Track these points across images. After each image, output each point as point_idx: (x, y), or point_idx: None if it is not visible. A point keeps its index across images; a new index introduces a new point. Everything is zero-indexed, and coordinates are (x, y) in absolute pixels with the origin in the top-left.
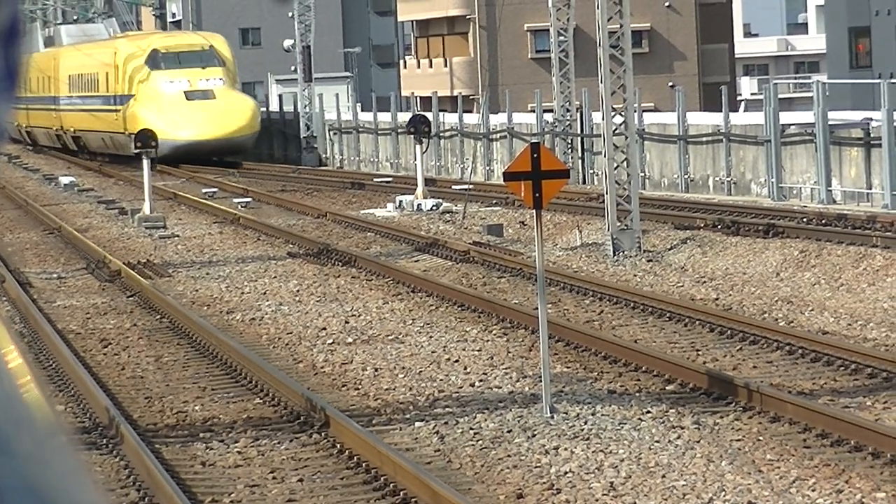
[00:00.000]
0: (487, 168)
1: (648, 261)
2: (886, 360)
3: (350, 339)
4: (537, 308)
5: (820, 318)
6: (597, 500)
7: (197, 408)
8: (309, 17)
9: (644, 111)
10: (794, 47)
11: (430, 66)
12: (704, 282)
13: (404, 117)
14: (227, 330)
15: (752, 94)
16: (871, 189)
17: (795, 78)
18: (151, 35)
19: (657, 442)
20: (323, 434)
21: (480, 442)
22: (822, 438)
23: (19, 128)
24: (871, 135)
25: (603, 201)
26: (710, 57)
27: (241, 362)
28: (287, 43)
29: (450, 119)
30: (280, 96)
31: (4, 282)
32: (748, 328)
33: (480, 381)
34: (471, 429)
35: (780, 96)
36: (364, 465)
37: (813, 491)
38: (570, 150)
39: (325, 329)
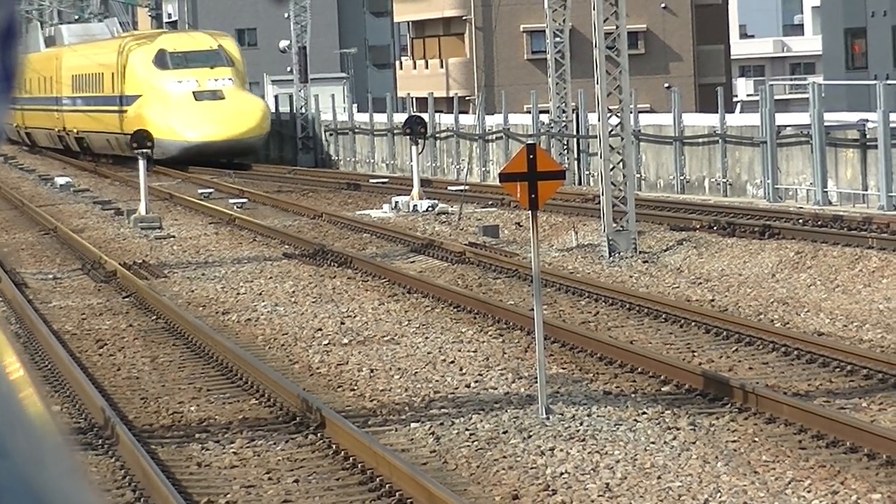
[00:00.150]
0: (483, 169)
1: (644, 262)
2: (882, 362)
3: (346, 340)
4: (533, 309)
5: (816, 319)
6: (592, 502)
7: (193, 408)
8: (305, 17)
9: (640, 112)
10: (790, 48)
11: (426, 66)
12: (700, 283)
13: (400, 118)
14: (222, 331)
15: (748, 95)
16: (866, 190)
17: (791, 79)
18: (159, 34)
19: (653, 443)
20: (319, 435)
21: (476, 443)
22: (818, 440)
23: (18, 129)
24: (867, 136)
25: (599, 202)
26: (706, 58)
27: (236, 363)
28: (283, 44)
29: (446, 120)
30: (276, 97)
31: (0, 282)
32: (744, 329)
33: (476, 382)
34: (466, 430)
35: (776, 97)
36: (360, 465)
37: (808, 492)
38: (565, 152)
39: (320, 330)
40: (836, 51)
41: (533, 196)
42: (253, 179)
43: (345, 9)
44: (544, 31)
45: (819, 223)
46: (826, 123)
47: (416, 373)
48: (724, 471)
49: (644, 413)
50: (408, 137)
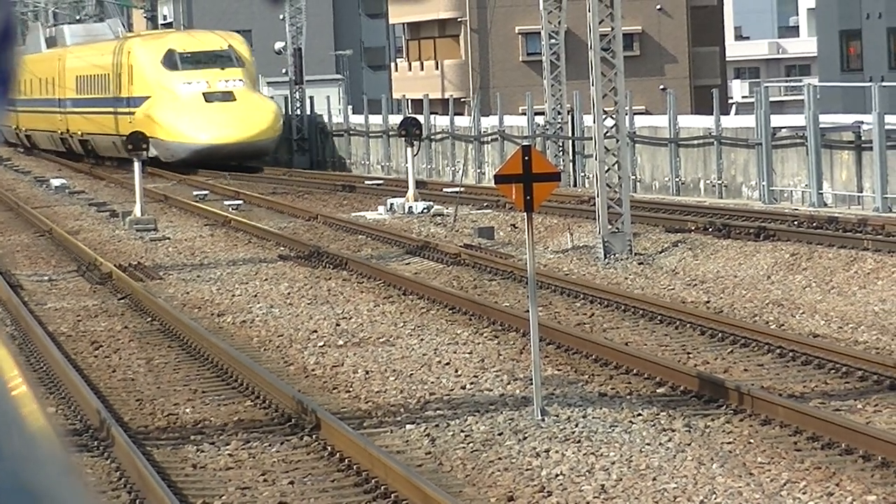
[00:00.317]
0: (478, 171)
1: (639, 263)
2: (877, 363)
3: (341, 342)
4: (528, 311)
5: (811, 320)
6: (588, 503)
7: (188, 410)
8: (300, 19)
9: (635, 114)
10: (786, 50)
11: (422, 68)
12: (695, 284)
13: (395, 120)
14: (217, 332)
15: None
16: (861, 192)
17: (787, 81)
18: (167, 34)
19: (648, 445)
20: (314, 436)
21: (471, 444)
22: (813, 441)
23: (17, 131)
24: (862, 138)
25: (594, 204)
26: (702, 60)
27: (231, 365)
28: (278, 45)
29: (441, 122)
30: (271, 98)
31: None
32: (739, 331)
33: (471, 383)
34: (462, 431)
35: (772, 99)
36: (355, 467)
37: (804, 494)
38: (561, 153)
39: (316, 331)
40: (832, 53)
41: (528, 198)
42: (248, 181)
43: (340, 10)
44: (540, 33)
45: (814, 225)
46: (821, 125)
47: (412, 374)
48: (720, 472)
49: (639, 415)
50: (403, 139)
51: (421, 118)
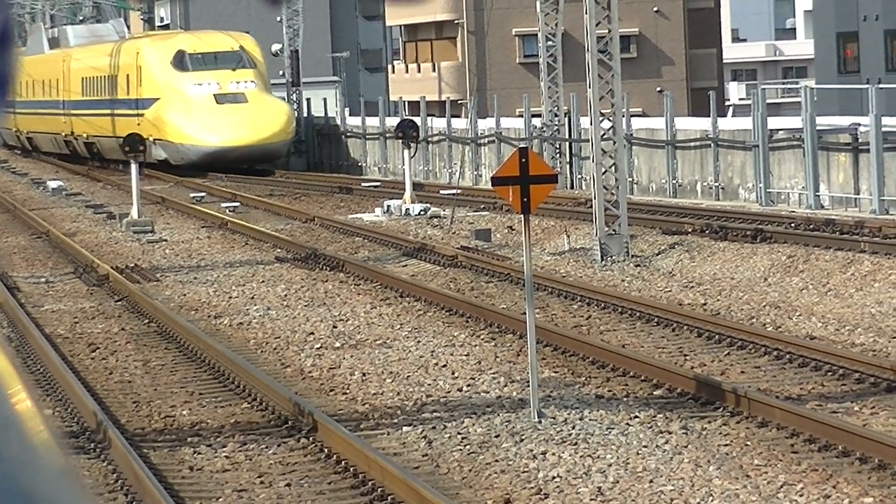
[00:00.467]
0: (475, 173)
1: (636, 266)
2: (874, 366)
3: (338, 344)
4: (525, 313)
5: (807, 323)
6: None
7: (185, 412)
8: (297, 21)
9: (632, 116)
10: (782, 52)
11: (419, 70)
12: (692, 287)
13: (392, 122)
14: (214, 334)
15: (740, 99)
16: (858, 194)
17: (783, 83)
18: (177, 35)
19: (645, 447)
20: (311, 439)
21: (468, 447)
22: (810, 443)
23: (18, 133)
24: (859, 140)
25: (591, 206)
26: (699, 62)
27: (228, 367)
28: (275, 47)
29: (438, 124)
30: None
31: None
32: (736, 333)
33: (468, 385)
34: (458, 434)
35: (768, 101)
36: (352, 469)
37: (801, 496)
38: (558, 155)
39: (312, 333)
40: (829, 55)
41: (525, 200)
42: (245, 183)
43: (337, 12)
44: (536, 35)
45: (811, 227)
46: (818, 127)
47: (409, 376)
48: (716, 474)
49: (636, 417)
50: (400, 141)
51: (418, 120)
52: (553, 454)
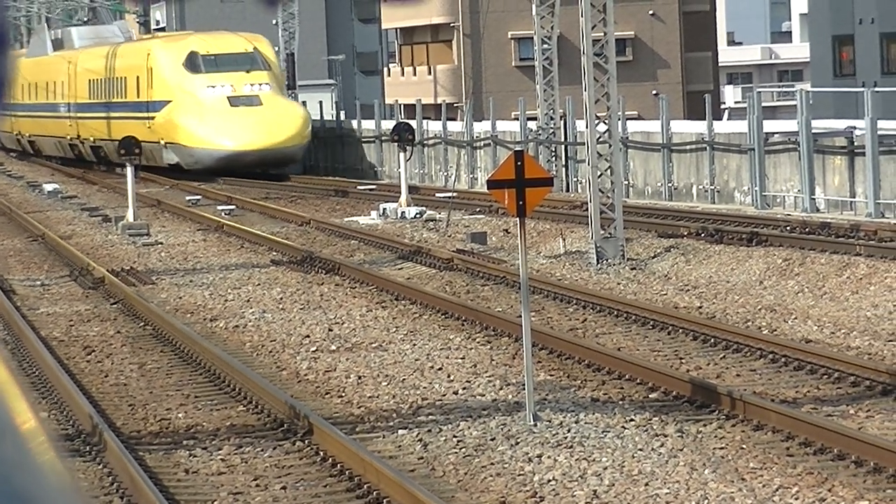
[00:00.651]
0: (471, 176)
1: (632, 269)
2: (869, 369)
3: (334, 347)
4: (521, 316)
5: (803, 326)
6: None
7: (180, 415)
8: (293, 24)
9: (628, 119)
10: (778, 56)
11: (414, 73)
12: (688, 290)
13: (388, 125)
14: (210, 337)
15: (735, 102)
16: (854, 198)
17: (779, 86)
18: (188, 36)
19: (640, 450)
20: (306, 441)
21: (464, 450)
22: (806, 447)
23: (19, 137)
24: (855, 143)
25: (586, 209)
26: (694, 65)
27: (224, 370)
28: None
29: (434, 127)
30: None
31: None
32: (731, 336)
33: (464, 388)
34: (454, 436)
35: (764, 105)
36: (347, 472)
37: (796, 499)
38: (553, 158)
39: (308, 336)
40: (824, 58)
41: (521, 203)
42: (241, 186)
43: (333, 16)
44: (532, 38)
45: (807, 230)
46: (814, 131)
47: (404, 379)
48: (712, 478)
49: (632, 420)
50: (396, 144)
51: (414, 123)
52: (548, 457)
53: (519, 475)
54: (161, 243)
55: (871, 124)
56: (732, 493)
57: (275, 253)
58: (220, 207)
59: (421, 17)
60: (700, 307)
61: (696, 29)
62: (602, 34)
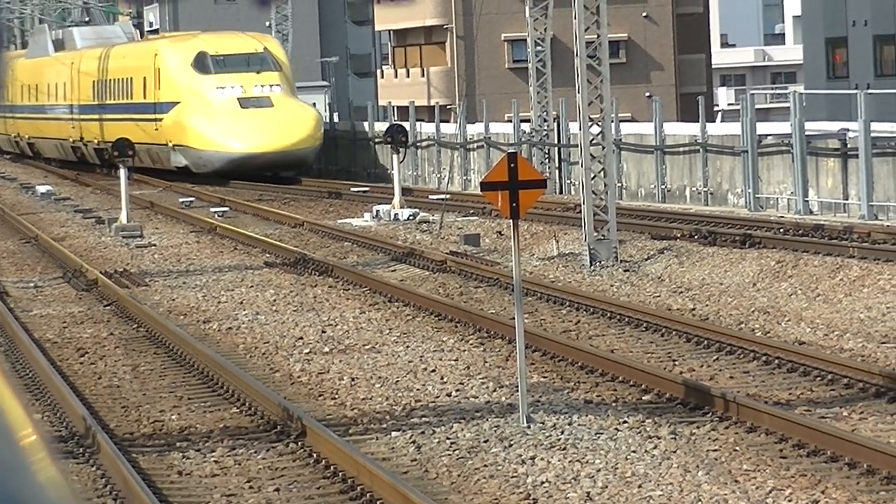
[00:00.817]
0: (464, 178)
1: (625, 271)
2: (863, 371)
3: (327, 349)
4: (514, 318)
5: (796, 328)
6: None
7: (173, 417)
8: (286, 26)
9: (621, 121)
10: (771, 58)
11: (408, 75)
12: (681, 292)
13: (381, 127)
14: (203, 339)
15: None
16: (847, 200)
17: (772, 88)
18: (197, 36)
19: (634, 452)
20: (299, 443)
21: (457, 452)
22: (799, 449)
23: (17, 139)
24: (848, 145)
25: (580, 211)
26: (688, 67)
27: (217, 371)
28: None
29: (427, 129)
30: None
31: None
32: (725, 338)
33: (457, 390)
34: (447, 439)
35: (757, 107)
36: (340, 474)
37: (789, 501)
38: (547, 160)
39: (301, 338)
40: (817, 60)
41: (514, 205)
42: (234, 188)
43: (326, 17)
44: (525, 40)
45: (800, 232)
46: (807, 133)
47: (397, 381)
48: (705, 480)
49: (625, 422)
50: (389, 146)
51: (407, 125)
52: (542, 459)
53: (512, 477)
54: (154, 245)
55: (864, 126)
56: (726, 495)
57: (268, 255)
58: (213, 209)
59: (414, 19)
60: (693, 309)
61: (690, 31)
62: (595, 36)
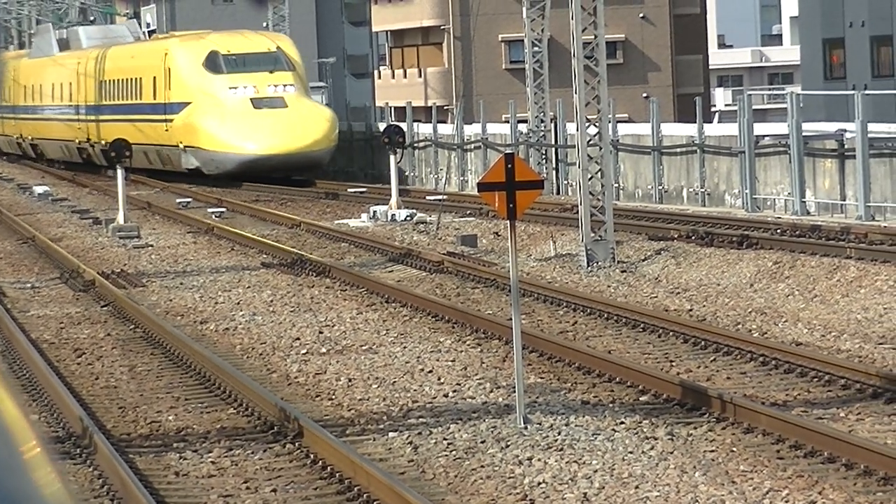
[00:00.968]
0: (461, 178)
1: (622, 271)
2: (860, 372)
3: (324, 350)
4: (511, 318)
5: (793, 329)
6: None
7: (170, 418)
8: (284, 27)
9: (618, 122)
10: (769, 58)
11: (405, 76)
12: (678, 293)
13: (378, 127)
14: (200, 340)
15: (726, 105)
16: (844, 200)
17: (769, 89)
18: (208, 35)
19: (630, 453)
20: (296, 444)
21: (454, 452)
22: (796, 450)
23: (20, 140)
24: (845, 146)
25: (577, 212)
26: (685, 68)
27: (214, 372)
28: None
29: (424, 129)
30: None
31: None
32: (722, 339)
33: (454, 391)
34: (444, 439)
35: (754, 107)
36: (337, 475)
37: (786, 502)
38: (544, 161)
39: (298, 339)
40: (815, 61)
41: (511, 205)
42: (231, 188)
43: (323, 18)
44: (523, 41)
45: (797, 233)
46: (804, 133)
47: (394, 382)
48: (702, 480)
49: (622, 423)
50: (386, 147)
51: (404, 126)
52: (539, 460)
53: (509, 478)
54: (151, 246)
55: (861, 127)
56: (723, 495)
57: (265, 255)
58: (210, 210)
59: (411, 20)
60: (690, 310)
61: (687, 32)
62: (592, 37)
